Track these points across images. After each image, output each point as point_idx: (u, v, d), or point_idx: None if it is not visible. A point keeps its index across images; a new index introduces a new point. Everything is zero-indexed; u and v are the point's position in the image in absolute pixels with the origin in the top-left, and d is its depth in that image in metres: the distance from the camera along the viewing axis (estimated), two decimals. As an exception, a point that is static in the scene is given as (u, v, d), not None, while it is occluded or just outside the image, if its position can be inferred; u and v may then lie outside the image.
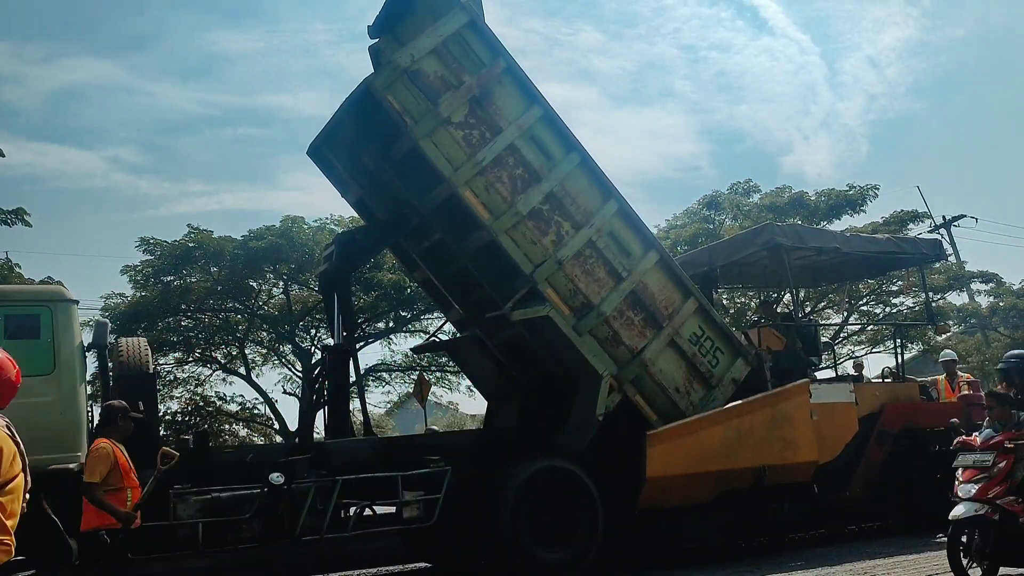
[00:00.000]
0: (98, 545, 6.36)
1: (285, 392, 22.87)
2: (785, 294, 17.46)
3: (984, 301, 29.27)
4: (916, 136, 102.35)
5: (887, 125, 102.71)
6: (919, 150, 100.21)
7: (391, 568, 10.56)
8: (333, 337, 9.42)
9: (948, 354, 14.07)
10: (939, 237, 20.96)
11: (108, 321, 7.96)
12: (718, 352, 9.74)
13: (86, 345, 7.88)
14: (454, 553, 9.47)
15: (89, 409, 7.80)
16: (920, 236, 18.72)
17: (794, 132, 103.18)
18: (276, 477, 7.77)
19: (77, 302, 7.81)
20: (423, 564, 10.50)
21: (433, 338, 20.62)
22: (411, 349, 22.20)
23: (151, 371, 8.22)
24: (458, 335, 12.16)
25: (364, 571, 10.40)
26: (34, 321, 7.47)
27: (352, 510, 8.41)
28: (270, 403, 22.10)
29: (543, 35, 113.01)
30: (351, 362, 9.54)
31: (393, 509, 8.61)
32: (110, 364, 8.32)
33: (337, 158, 9.91)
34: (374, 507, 8.71)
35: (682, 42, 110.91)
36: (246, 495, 7.75)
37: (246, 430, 23.21)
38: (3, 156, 16.96)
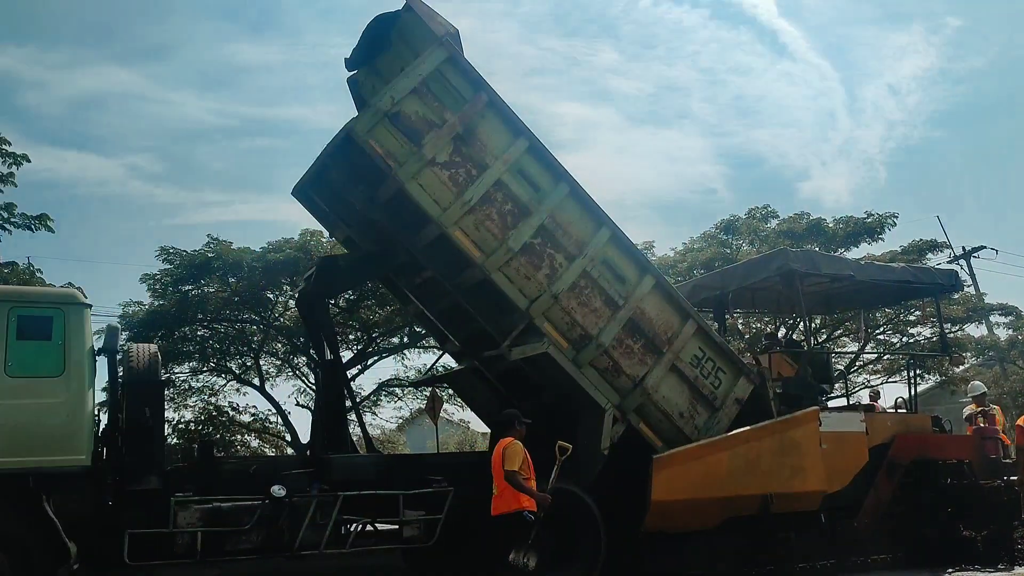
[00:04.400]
0: (520, 523, 7.40)
1: (298, 404, 22.89)
2: (801, 321, 17.34)
3: (1003, 334, 28.96)
4: (936, 165, 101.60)
5: (906, 153, 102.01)
6: (939, 179, 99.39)
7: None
8: (318, 356, 9.43)
9: (978, 387, 13.75)
10: (956, 268, 20.79)
11: (119, 326, 7.98)
12: (720, 372, 9.69)
13: (97, 349, 7.90)
14: (456, 572, 9.41)
15: (96, 414, 7.82)
16: (937, 266, 18.52)
17: (812, 158, 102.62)
18: (278, 489, 7.80)
19: (90, 306, 7.86)
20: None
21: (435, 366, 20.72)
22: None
23: (160, 378, 8.26)
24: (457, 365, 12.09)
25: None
26: (47, 323, 7.51)
27: (353, 526, 8.39)
28: (283, 415, 22.12)
29: (562, 54, 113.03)
30: (344, 378, 9.55)
31: (396, 526, 8.59)
32: (120, 369, 8.37)
33: (323, 199, 9.89)
34: (376, 524, 8.68)
35: (701, 65, 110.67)
36: (247, 506, 7.77)
37: (258, 441, 23.22)
38: (29, 162, 17.15)
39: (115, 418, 7.99)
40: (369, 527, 8.68)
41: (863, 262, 14.09)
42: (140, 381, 8.03)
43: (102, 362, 8.15)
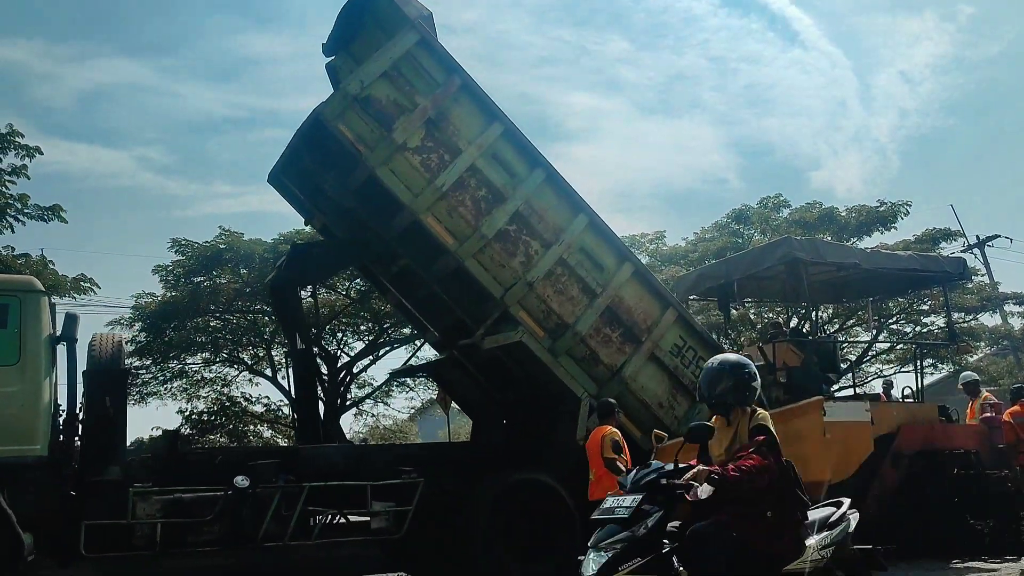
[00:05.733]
0: None
1: (310, 395, 22.82)
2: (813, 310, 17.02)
3: (1017, 323, 28.13)
4: (949, 153, 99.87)
5: (919, 141, 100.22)
6: (952, 168, 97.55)
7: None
8: (290, 345, 9.26)
9: (967, 376, 13.45)
10: (963, 256, 20.35)
11: (78, 314, 7.81)
12: (701, 361, 9.39)
13: (56, 337, 7.72)
14: (433, 564, 9.21)
15: (57, 403, 7.66)
16: (946, 255, 18.02)
17: (823, 147, 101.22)
18: (241, 480, 7.60)
19: (47, 293, 7.70)
20: (402, 573, 10.20)
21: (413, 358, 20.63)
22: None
23: (124, 367, 8.11)
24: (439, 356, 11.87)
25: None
26: (2, 311, 7.36)
27: (320, 518, 8.19)
28: (294, 405, 22.11)
29: (571, 44, 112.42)
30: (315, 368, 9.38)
31: (368, 518, 8.40)
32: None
33: (297, 186, 9.73)
34: (347, 515, 8.48)
35: (711, 53, 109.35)
36: (209, 497, 7.58)
37: (271, 431, 23.25)
38: (41, 154, 17.21)
39: (75, 407, 7.80)
40: (341, 519, 8.47)
41: (869, 250, 13.70)
42: (101, 370, 7.84)
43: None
